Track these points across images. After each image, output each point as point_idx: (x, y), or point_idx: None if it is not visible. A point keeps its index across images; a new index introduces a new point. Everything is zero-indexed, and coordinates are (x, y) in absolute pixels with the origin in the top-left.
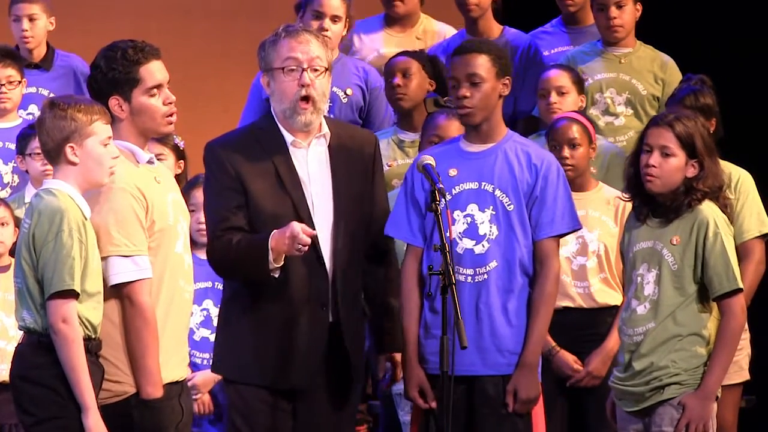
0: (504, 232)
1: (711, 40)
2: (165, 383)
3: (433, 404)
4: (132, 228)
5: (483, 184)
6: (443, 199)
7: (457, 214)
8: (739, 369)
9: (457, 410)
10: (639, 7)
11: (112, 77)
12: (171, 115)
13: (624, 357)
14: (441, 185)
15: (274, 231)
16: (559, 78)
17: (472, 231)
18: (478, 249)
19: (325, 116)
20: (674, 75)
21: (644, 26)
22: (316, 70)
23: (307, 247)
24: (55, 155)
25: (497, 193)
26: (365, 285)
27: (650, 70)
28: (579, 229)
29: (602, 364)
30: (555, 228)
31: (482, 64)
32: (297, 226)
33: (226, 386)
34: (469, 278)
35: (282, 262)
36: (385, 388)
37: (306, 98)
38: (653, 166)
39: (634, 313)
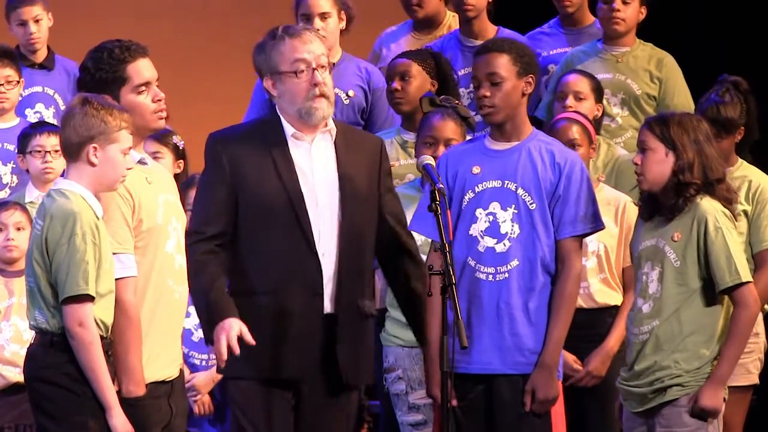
0: (526, 230)
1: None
2: (149, 382)
3: (454, 402)
4: (117, 226)
5: (506, 182)
6: (443, 199)
7: (480, 212)
8: (746, 372)
9: (476, 409)
10: (644, 10)
11: (99, 77)
12: (161, 111)
13: (631, 356)
14: (441, 185)
15: (228, 323)
16: (578, 83)
17: (493, 229)
18: (500, 247)
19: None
20: (672, 72)
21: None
22: (323, 66)
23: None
24: (75, 152)
25: (520, 191)
26: (395, 285)
27: (646, 69)
28: (601, 229)
29: (602, 364)
30: (577, 228)
31: (502, 64)
32: (223, 340)
33: (226, 384)
34: (490, 276)
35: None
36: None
37: (320, 95)
38: (636, 164)
39: (639, 312)
